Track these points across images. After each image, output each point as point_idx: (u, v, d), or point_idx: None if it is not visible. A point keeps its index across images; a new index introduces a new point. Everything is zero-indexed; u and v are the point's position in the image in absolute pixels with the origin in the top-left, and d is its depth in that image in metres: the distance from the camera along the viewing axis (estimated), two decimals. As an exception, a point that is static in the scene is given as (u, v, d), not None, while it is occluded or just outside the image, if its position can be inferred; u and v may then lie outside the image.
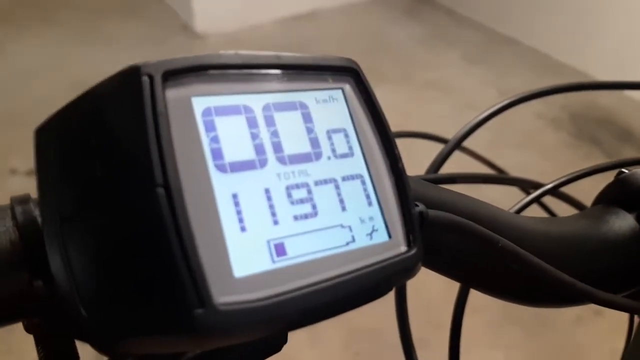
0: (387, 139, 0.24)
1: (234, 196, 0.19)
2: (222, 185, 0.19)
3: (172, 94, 0.18)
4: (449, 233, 0.26)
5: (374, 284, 0.21)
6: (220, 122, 0.19)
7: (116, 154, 0.18)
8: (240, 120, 0.20)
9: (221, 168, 0.19)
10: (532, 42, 2.42)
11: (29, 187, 0.22)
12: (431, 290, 1.21)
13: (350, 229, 0.22)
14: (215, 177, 0.19)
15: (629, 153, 1.88)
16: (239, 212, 0.19)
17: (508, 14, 2.52)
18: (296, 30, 2.53)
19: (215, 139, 0.19)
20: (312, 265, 0.20)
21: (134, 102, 0.18)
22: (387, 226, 0.23)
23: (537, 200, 0.39)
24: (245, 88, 0.21)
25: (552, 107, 2.05)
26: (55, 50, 2.25)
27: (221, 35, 2.42)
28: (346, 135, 0.23)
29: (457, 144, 0.40)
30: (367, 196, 0.23)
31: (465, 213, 0.27)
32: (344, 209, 0.22)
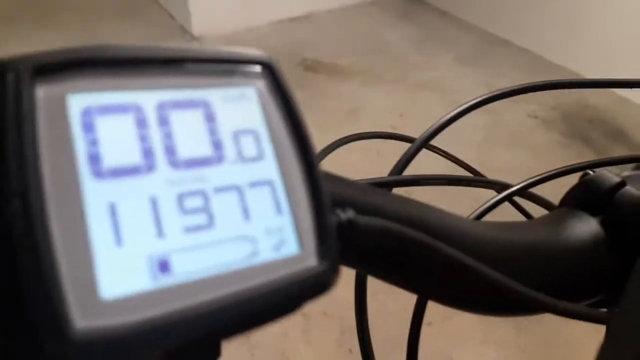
0: (303, 141, 0.21)
1: (111, 205, 0.17)
2: (96, 193, 0.16)
3: (44, 92, 0.16)
4: (384, 242, 0.24)
5: (275, 302, 0.19)
6: (102, 123, 0.17)
7: None
8: (126, 121, 0.18)
9: (98, 174, 0.17)
10: (524, 43, 2.43)
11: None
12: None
13: (254, 241, 0.19)
14: (88, 184, 0.16)
15: (620, 152, 1.89)
16: (115, 224, 0.16)
17: (500, 16, 2.52)
18: (292, 32, 2.54)
19: (93, 142, 0.17)
20: (203, 284, 0.17)
21: None
22: (298, 237, 0.20)
23: (502, 202, 0.37)
24: (136, 84, 0.18)
25: (544, 107, 2.06)
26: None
27: (217, 37, 2.43)
28: (257, 138, 0.20)
29: (423, 144, 0.38)
30: (277, 204, 0.20)
31: (406, 218, 0.25)
32: (247, 218, 0.19)
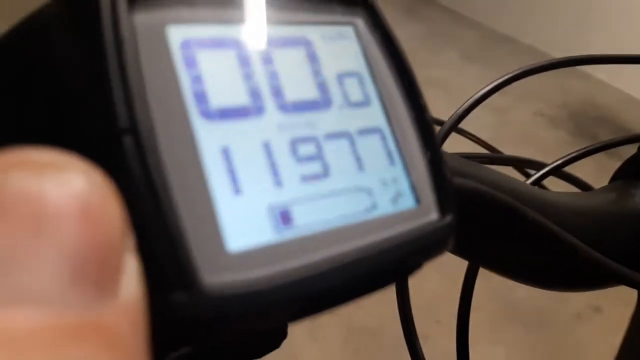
0: (410, 85, 0.19)
1: (225, 150, 0.15)
2: (208, 135, 0.15)
3: (141, 20, 0.15)
4: (474, 205, 0.23)
5: (402, 258, 0.17)
6: (204, 58, 0.15)
7: (67, 95, 0.14)
8: (229, 56, 0.16)
9: (206, 114, 0.15)
10: (530, 40, 2.43)
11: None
12: (429, 287, 1.20)
13: (371, 193, 0.18)
14: (200, 125, 0.15)
15: (627, 151, 1.88)
16: (231, 170, 0.15)
17: (506, 13, 2.52)
18: (295, 28, 2.53)
19: (197, 79, 0.15)
20: (327, 236, 0.16)
21: (91, 29, 0.14)
22: (414, 190, 0.19)
23: (539, 181, 0.36)
24: (237, 16, 0.17)
25: (551, 105, 2.05)
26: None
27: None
28: (360, 81, 0.19)
29: (455, 125, 0.38)
30: (389, 154, 0.18)
31: (488, 184, 0.24)
32: (361, 168, 0.18)
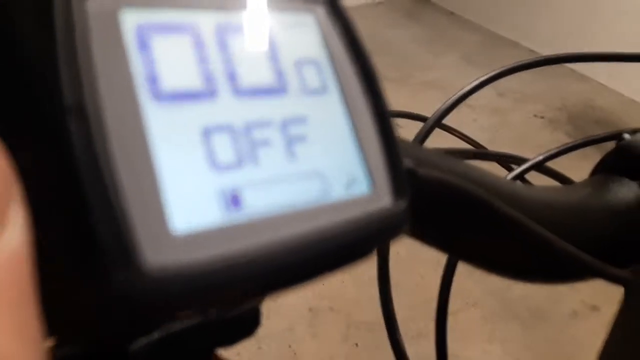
0: (368, 73, 0.20)
1: (174, 132, 0.15)
2: (158, 116, 0.15)
3: (95, 4, 0.15)
4: (442, 196, 0.23)
5: (352, 242, 0.17)
6: (158, 41, 0.15)
7: (26, 72, 0.14)
8: (184, 41, 0.16)
9: (157, 96, 0.15)
10: (531, 44, 2.42)
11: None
12: (426, 285, 1.22)
13: (324, 178, 0.18)
14: (150, 106, 0.15)
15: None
16: (179, 152, 0.15)
17: (507, 16, 2.52)
18: (298, 31, 2.54)
19: (150, 61, 0.15)
20: (276, 220, 0.16)
21: (45, 12, 0.14)
22: (368, 176, 0.19)
23: (521, 176, 0.38)
24: (194, 2, 0.17)
25: (550, 107, 2.05)
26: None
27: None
28: (319, 68, 0.19)
29: (438, 121, 0.38)
30: (344, 140, 0.19)
31: (461, 176, 0.24)
32: (315, 154, 0.18)
